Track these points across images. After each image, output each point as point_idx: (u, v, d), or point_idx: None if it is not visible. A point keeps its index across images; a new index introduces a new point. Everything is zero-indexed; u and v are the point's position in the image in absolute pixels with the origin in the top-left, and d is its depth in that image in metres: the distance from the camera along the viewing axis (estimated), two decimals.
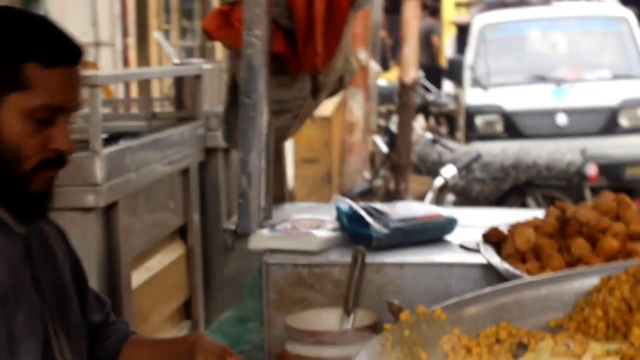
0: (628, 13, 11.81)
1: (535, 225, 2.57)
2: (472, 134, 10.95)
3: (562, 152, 9.29)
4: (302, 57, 3.43)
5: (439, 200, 6.74)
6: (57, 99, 2.03)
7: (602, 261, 2.30)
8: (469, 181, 9.22)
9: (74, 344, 2.20)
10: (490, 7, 12.79)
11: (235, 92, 3.52)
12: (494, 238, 2.62)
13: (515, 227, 2.57)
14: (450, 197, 9.16)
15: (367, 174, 11.12)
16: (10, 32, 2.02)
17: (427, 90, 14.91)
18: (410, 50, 8.66)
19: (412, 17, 8.57)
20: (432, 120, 14.49)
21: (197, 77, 5.69)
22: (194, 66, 6.00)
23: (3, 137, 2.00)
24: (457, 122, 12.20)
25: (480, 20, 11.92)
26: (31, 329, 2.05)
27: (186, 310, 5.48)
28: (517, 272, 2.31)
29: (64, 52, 2.07)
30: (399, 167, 8.90)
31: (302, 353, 2.60)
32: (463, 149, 9.73)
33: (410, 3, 8.48)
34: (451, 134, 13.00)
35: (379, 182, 10.52)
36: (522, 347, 1.88)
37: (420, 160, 9.78)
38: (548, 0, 12.37)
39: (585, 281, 2.04)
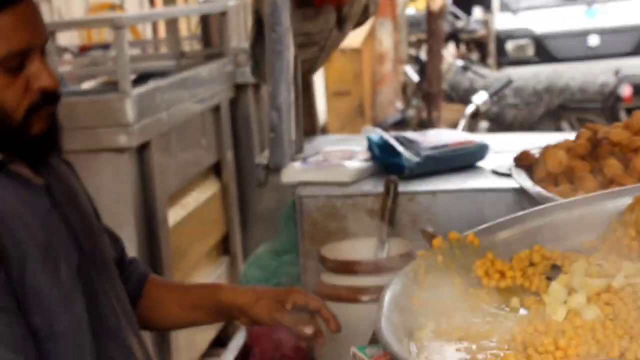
0: None
1: (566, 147, 2.55)
2: (504, 60, 10.90)
3: (595, 73, 9.22)
4: None
5: (472, 128, 6.71)
6: (19, 42, 1.92)
7: (635, 181, 2.29)
8: (502, 107, 9.18)
9: (114, 283, 2.21)
10: None
11: (260, 27, 3.51)
12: (525, 162, 2.61)
13: (546, 150, 2.56)
14: (484, 123, 9.13)
15: (399, 105, 11.09)
16: None
17: (457, 17, 14.78)
18: None
19: None
20: (462, 47, 14.37)
21: (223, 14, 5.68)
22: (219, 3, 5.98)
23: None
24: (488, 48, 12.11)
25: None
26: (77, 278, 2.06)
27: (224, 246, 5.52)
28: (549, 194, 2.30)
29: None
30: (430, 95, 8.86)
31: (337, 283, 2.62)
32: (495, 75, 9.68)
33: None
34: (482, 60, 12.89)
35: (411, 112, 10.49)
36: (556, 269, 1.87)
37: (452, 88, 9.74)
38: None
39: (619, 201, 2.03)
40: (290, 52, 3.15)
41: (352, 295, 2.58)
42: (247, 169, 5.57)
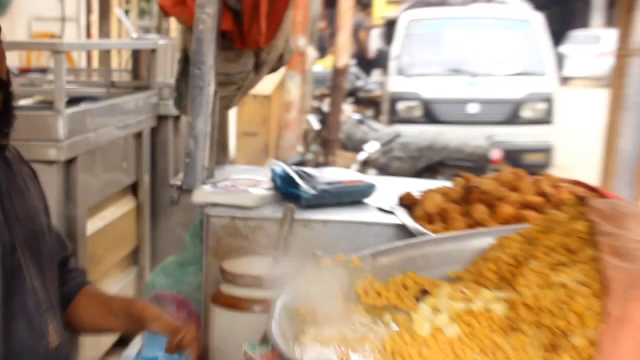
0: (535, 16, 11.93)
1: (443, 192, 2.61)
2: (394, 117, 11.00)
3: (471, 137, 9.37)
4: (247, 35, 3.43)
5: (362, 173, 6.78)
6: None
7: (499, 224, 2.35)
8: (389, 159, 9.26)
9: (45, 273, 2.19)
10: (415, 5, 12.84)
11: (186, 63, 3.52)
12: (407, 201, 2.67)
13: (426, 193, 2.62)
14: (372, 172, 9.20)
15: (300, 148, 11.13)
16: None
17: (358, 77, 14.94)
18: (344, 38, 8.69)
19: (346, 9, 8.60)
20: (359, 105, 14.52)
21: (153, 51, 5.67)
22: (150, 41, 5.97)
23: None
24: (382, 107, 12.24)
25: (406, 16, 11.96)
26: (2, 261, 2.04)
27: (134, 257, 5.48)
28: (424, 230, 2.36)
29: None
30: (329, 141, 8.95)
31: (234, 294, 2.62)
32: (385, 130, 9.78)
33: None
34: (376, 117, 13.01)
35: (310, 156, 10.54)
36: (425, 293, 1.91)
37: (347, 138, 9.82)
38: (466, 1, 12.47)
39: (483, 240, 2.07)
40: (210, 89, 3.16)
41: (245, 305, 2.58)
42: (161, 191, 5.55)
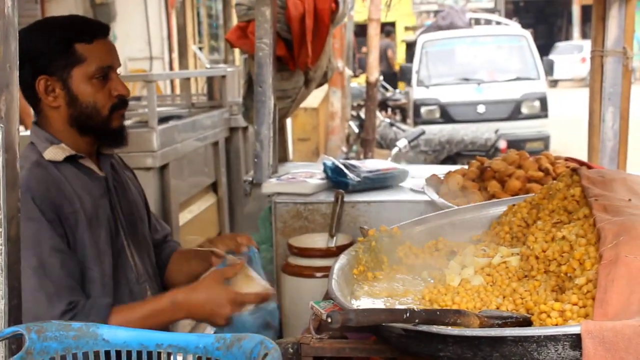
0: (527, 33, 11.83)
1: (462, 172, 2.60)
2: (418, 120, 10.92)
3: (482, 132, 9.29)
4: (297, 58, 3.45)
5: None
6: (103, 61, 2.05)
7: (509, 196, 2.33)
8: (416, 153, 9.20)
9: (143, 252, 2.23)
10: (429, 29, 12.75)
11: (250, 84, 3.54)
12: (434, 182, 2.65)
13: (448, 174, 2.61)
14: (404, 164, 9.15)
15: (344, 149, 11.11)
16: (58, 30, 2.06)
17: (387, 89, 14.88)
18: (373, 58, 8.64)
19: (374, 35, 8.55)
20: (390, 111, 14.48)
21: (223, 77, 5.69)
22: (221, 69, 6.00)
23: (81, 99, 2.04)
24: (408, 112, 12.17)
25: (422, 38, 11.87)
26: (111, 243, 2.08)
27: None
28: (449, 204, 2.34)
29: (96, 30, 2.09)
30: (367, 141, 8.91)
31: (299, 264, 2.64)
32: (412, 130, 9.73)
33: (372, 24, 8.44)
34: (403, 120, 12.95)
35: (352, 154, 10.51)
36: (454, 254, 1.90)
37: (381, 138, 9.78)
38: (470, 24, 12.39)
39: (497, 209, 2.06)
40: (271, 102, 3.18)
41: (309, 273, 2.60)
42: (236, 187, 5.56)
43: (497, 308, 1.49)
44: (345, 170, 2.91)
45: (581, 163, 2.52)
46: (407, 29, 20.96)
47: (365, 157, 8.50)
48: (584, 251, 1.41)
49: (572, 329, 1.14)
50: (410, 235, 2.00)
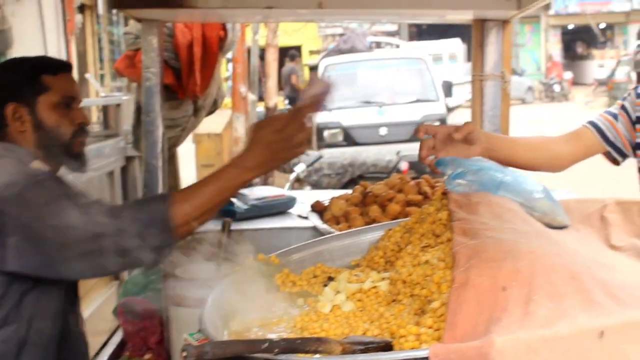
0: (425, 55, 12.10)
1: (345, 197, 2.64)
2: (322, 143, 11.01)
3: (384, 153, 9.41)
4: (186, 87, 3.45)
5: (295, 189, 6.78)
6: (66, 91, 2.23)
7: (389, 220, 2.37)
8: (319, 176, 9.26)
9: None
10: (330, 53, 12.89)
11: (139, 113, 3.51)
12: (318, 208, 2.69)
13: (331, 200, 2.64)
14: (307, 187, 9.20)
15: None
16: (26, 64, 2.27)
17: None
18: (272, 83, 8.69)
19: (272, 60, 8.61)
20: None
21: (118, 105, 5.64)
22: (116, 97, 5.94)
23: (45, 124, 2.19)
24: (312, 135, 12.27)
25: (324, 62, 12.00)
26: None
27: (115, 274, 5.40)
28: (331, 229, 2.37)
29: (60, 65, 2.29)
30: None
31: (186, 294, 2.61)
32: (315, 153, 9.78)
33: (270, 50, 8.50)
34: (308, 144, 13.04)
35: (256, 180, 10.51)
36: (331, 279, 1.92)
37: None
38: (371, 47, 12.60)
39: (375, 233, 2.09)
40: (159, 131, 3.16)
41: (195, 303, 2.57)
42: None
43: (364, 333, 1.52)
44: (233, 199, 2.91)
45: None
46: (311, 52, 21.16)
47: (266, 182, 8.51)
48: (442, 274, 1.45)
49: (421, 352, 1.17)
50: (289, 262, 2.02)
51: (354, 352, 1.35)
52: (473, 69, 3.08)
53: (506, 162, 2.20)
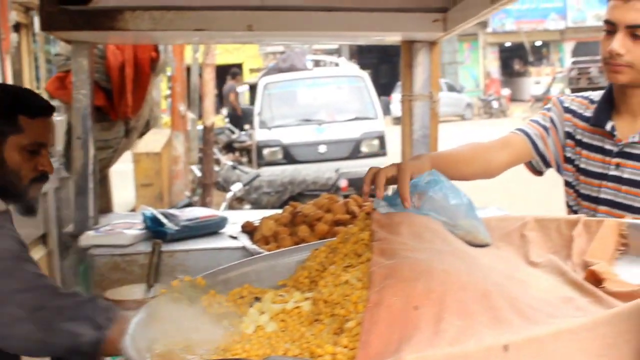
0: (364, 74, 12.24)
1: (275, 218, 2.66)
2: (261, 161, 11.03)
3: (323, 171, 9.48)
4: (117, 108, 3.44)
5: (233, 207, 6.79)
6: (39, 137, 2.20)
7: (317, 240, 2.40)
8: (259, 194, 9.27)
9: None
10: (270, 71, 12.93)
11: (70, 134, 3.49)
12: (248, 228, 2.70)
13: (262, 220, 2.66)
14: (247, 206, 9.21)
15: (187, 193, 11.05)
16: (7, 98, 2.21)
17: (232, 132, 14.96)
18: (209, 102, 8.68)
19: (209, 79, 8.60)
20: (237, 154, 14.55)
21: None
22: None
23: (8, 165, 2.17)
24: (252, 154, 12.29)
25: (263, 81, 12.04)
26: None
27: None
28: (259, 250, 2.39)
29: (41, 108, 2.24)
30: (206, 185, 8.91)
31: None
32: (255, 172, 9.81)
33: (207, 69, 8.50)
34: (250, 162, 13.04)
35: (196, 198, 10.47)
36: (258, 300, 1.94)
37: (224, 181, 9.80)
38: (310, 66, 12.67)
39: (304, 254, 2.11)
40: (90, 153, 3.15)
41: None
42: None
43: (285, 353, 1.54)
44: (164, 220, 2.91)
45: None
46: (252, 70, 21.18)
47: (204, 202, 8.48)
48: (359, 294, 1.48)
49: None
50: (216, 283, 2.02)
51: None
52: (402, 89, 3.14)
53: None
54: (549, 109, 2.67)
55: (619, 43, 2.26)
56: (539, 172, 2.70)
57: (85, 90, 3.15)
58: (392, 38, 3.12)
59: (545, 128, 2.63)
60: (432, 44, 3.12)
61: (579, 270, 1.81)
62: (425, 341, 1.21)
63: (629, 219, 1.96)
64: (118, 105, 3.41)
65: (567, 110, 2.62)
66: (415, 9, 2.81)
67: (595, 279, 1.68)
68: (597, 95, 2.59)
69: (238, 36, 2.97)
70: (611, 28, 2.30)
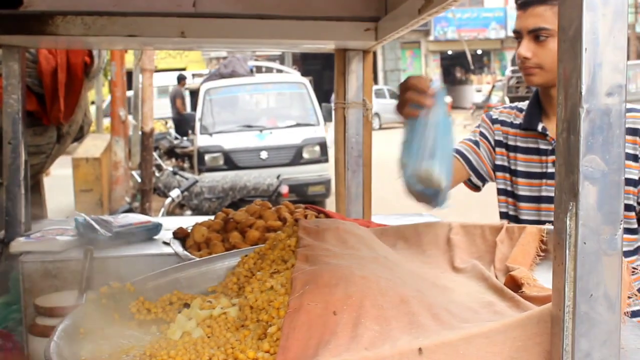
0: (305, 80, 12.30)
1: (208, 224, 2.66)
2: (202, 167, 11.01)
3: (264, 177, 9.49)
4: (50, 113, 3.40)
5: (173, 214, 6.75)
6: None
7: (249, 246, 2.41)
8: (200, 200, 9.24)
9: None
10: (211, 77, 12.91)
11: (1, 139, 3.44)
12: (181, 234, 2.70)
13: (194, 226, 2.66)
14: (188, 212, 9.16)
15: (128, 199, 10.95)
16: None
17: (176, 137, 14.87)
18: (148, 107, 8.62)
19: (148, 85, 8.54)
20: (179, 159, 14.46)
21: None
22: None
23: None
24: (193, 159, 12.24)
25: (205, 86, 12.02)
26: None
27: None
28: (190, 256, 2.39)
29: None
30: (144, 191, 8.84)
31: (47, 324, 2.58)
32: (193, 178, 9.77)
33: (146, 74, 8.45)
34: (192, 168, 12.98)
35: (137, 204, 10.39)
36: (187, 306, 1.94)
37: (164, 186, 9.74)
38: (252, 72, 12.69)
39: (234, 260, 2.12)
40: (21, 158, 3.11)
41: None
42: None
43: (210, 359, 1.55)
44: (96, 226, 2.89)
45: (320, 211, 2.65)
46: (194, 75, 21.09)
47: (143, 208, 8.42)
48: (282, 300, 1.50)
49: None
50: (145, 289, 2.02)
51: None
52: (336, 97, 3.17)
53: None
54: (478, 126, 2.78)
55: (525, 47, 2.44)
56: (476, 188, 2.78)
57: (16, 94, 3.11)
58: (326, 46, 3.15)
59: (474, 142, 2.73)
60: (365, 52, 3.16)
61: (500, 276, 1.86)
62: (342, 345, 1.23)
63: (550, 225, 2.02)
64: (50, 110, 3.37)
65: (496, 121, 2.72)
66: (347, 17, 2.84)
67: (515, 284, 1.72)
68: (524, 104, 2.70)
69: (173, 42, 2.96)
70: (518, 36, 2.49)
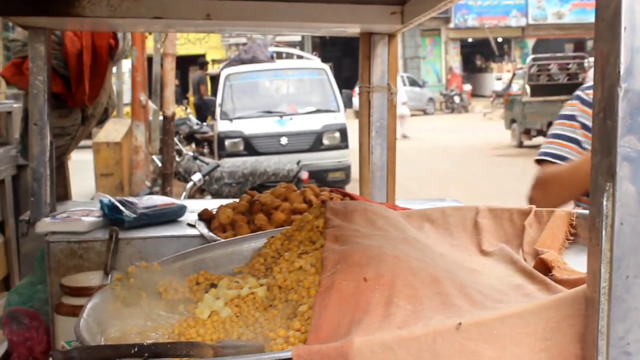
0: (326, 66, 12.27)
1: (233, 206, 2.66)
2: (223, 152, 11.02)
3: (284, 163, 9.50)
4: (75, 95, 3.41)
5: (194, 198, 6.77)
6: None
7: (274, 228, 2.41)
8: (220, 185, 9.27)
9: None
10: (232, 63, 12.91)
11: (27, 121, 3.46)
12: (206, 216, 2.70)
13: (219, 208, 2.66)
14: (208, 196, 9.19)
15: (148, 183, 11.00)
16: None
17: (197, 122, 14.91)
18: (169, 92, 8.63)
19: (170, 69, 8.55)
20: (199, 144, 14.51)
21: (9, 113, 5.50)
22: (6, 105, 5.79)
23: None
24: (213, 145, 12.26)
25: (225, 72, 12.02)
26: None
27: (6, 284, 5.28)
28: (216, 237, 2.39)
29: None
30: (166, 175, 8.87)
31: (73, 303, 2.59)
32: (214, 163, 9.79)
33: (167, 59, 8.45)
34: (211, 153, 13.01)
35: (157, 188, 10.43)
36: (214, 286, 1.95)
37: (185, 171, 9.78)
38: (273, 58, 12.68)
39: (260, 241, 2.12)
40: (47, 140, 3.12)
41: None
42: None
43: (239, 338, 1.55)
44: (121, 207, 2.90)
45: (345, 194, 2.65)
46: (214, 61, 21.10)
47: (164, 192, 8.45)
48: (312, 280, 1.50)
49: (285, 354, 1.21)
50: (172, 270, 2.03)
51: (224, 355, 1.37)
52: (361, 81, 3.16)
53: None
54: (573, 117, 2.72)
55: None
56: None
57: (42, 76, 3.11)
58: (351, 30, 3.14)
59: (575, 141, 2.68)
60: (390, 36, 3.14)
61: (529, 259, 1.85)
62: (375, 324, 1.23)
63: (579, 209, 2.00)
64: (75, 92, 3.38)
65: (588, 104, 2.66)
66: (373, 1, 2.82)
67: (545, 267, 1.71)
68: None
69: (197, 25, 2.96)
70: None
